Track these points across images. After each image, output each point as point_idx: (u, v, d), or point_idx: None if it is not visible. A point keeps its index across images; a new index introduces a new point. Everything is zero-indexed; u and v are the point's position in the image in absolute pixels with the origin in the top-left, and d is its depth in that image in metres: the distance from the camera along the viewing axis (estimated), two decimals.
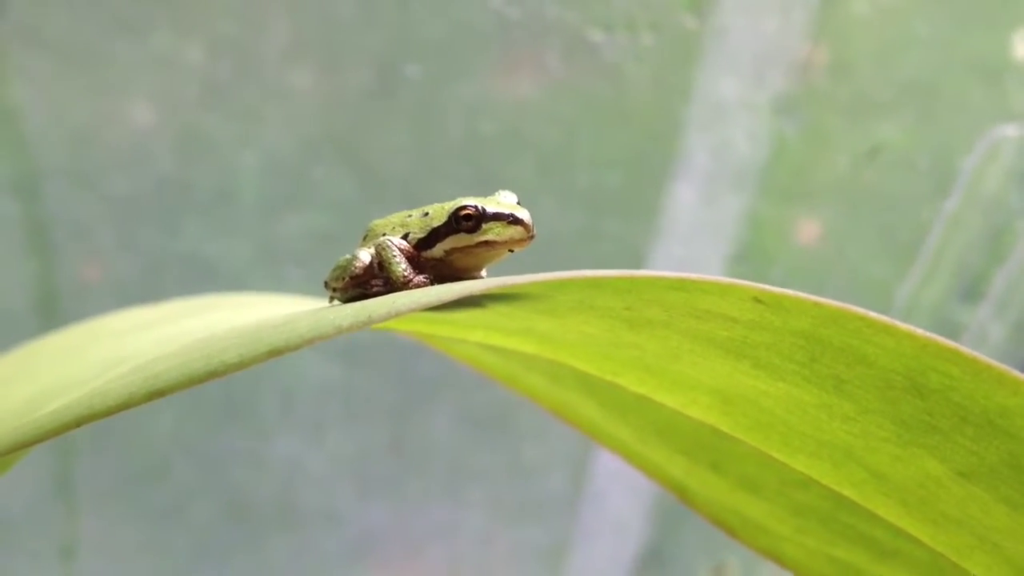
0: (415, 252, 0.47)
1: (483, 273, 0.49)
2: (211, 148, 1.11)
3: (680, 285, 0.41)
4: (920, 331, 0.40)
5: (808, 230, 1.01)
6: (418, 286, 0.45)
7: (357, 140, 1.10)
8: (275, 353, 0.40)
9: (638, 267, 1.07)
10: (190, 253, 1.13)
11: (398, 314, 0.40)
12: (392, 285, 0.46)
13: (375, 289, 0.47)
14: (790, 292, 0.40)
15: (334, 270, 0.48)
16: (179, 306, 0.67)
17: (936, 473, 0.46)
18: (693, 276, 0.41)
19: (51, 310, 1.10)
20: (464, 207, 0.46)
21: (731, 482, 0.59)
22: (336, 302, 0.49)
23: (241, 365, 0.40)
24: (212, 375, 0.40)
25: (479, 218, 0.46)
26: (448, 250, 0.47)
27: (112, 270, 1.14)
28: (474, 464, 1.27)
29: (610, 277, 0.41)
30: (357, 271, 0.47)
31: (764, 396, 0.48)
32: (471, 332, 0.52)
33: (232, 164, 1.12)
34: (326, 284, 0.48)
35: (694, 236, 1.03)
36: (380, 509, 1.29)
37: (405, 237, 0.47)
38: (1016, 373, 0.40)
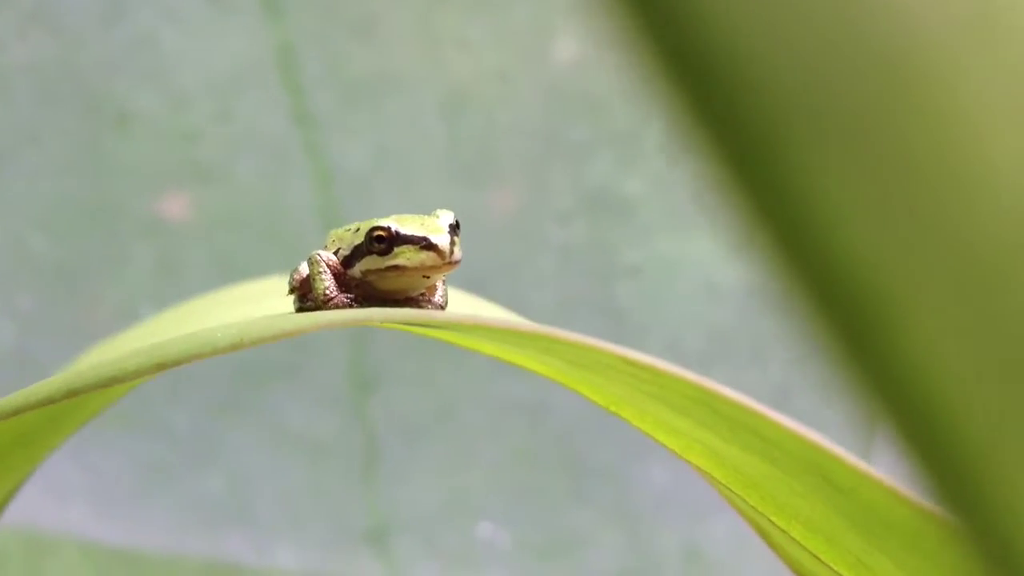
0: (343, 270, 0.45)
1: (437, 297, 0.46)
2: (625, 85, 1.12)
3: (553, 341, 0.38)
4: (784, 420, 0.34)
5: None
6: (337, 306, 0.44)
7: None
8: (161, 367, 0.41)
9: None
10: (599, 188, 1.16)
11: (269, 339, 0.40)
12: (315, 301, 0.45)
13: (309, 303, 0.46)
14: (648, 359, 0.36)
15: (289, 279, 0.47)
16: None
17: None
18: (559, 333, 0.37)
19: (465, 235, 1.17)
20: (377, 227, 0.43)
21: (786, 538, 0.53)
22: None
23: (136, 375, 0.42)
24: (115, 381, 0.42)
25: (391, 240, 0.43)
26: (364, 271, 0.44)
27: (522, 199, 1.19)
28: None
29: (466, 323, 0.38)
30: (295, 283, 0.46)
31: (733, 457, 0.43)
32: (482, 345, 0.50)
33: (629, 111, 1.13)
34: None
35: None
36: (662, 470, 1.27)
37: (337, 252, 0.45)
38: (896, 485, 0.33)
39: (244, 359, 1.28)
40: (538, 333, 0.37)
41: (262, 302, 0.65)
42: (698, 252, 1.14)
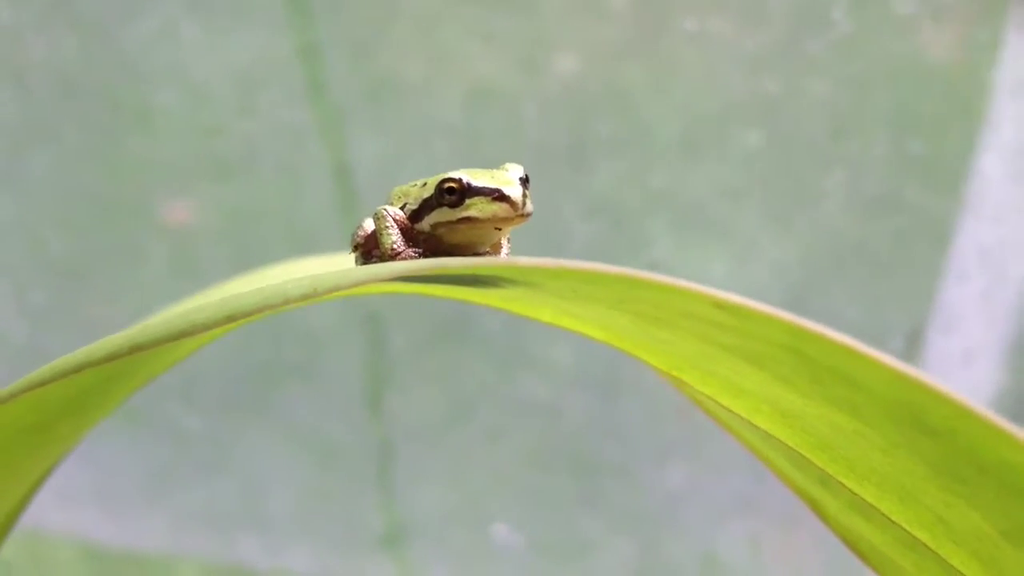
0: (409, 224, 0.45)
1: (504, 252, 0.46)
2: (629, 96, 1.13)
3: (633, 283, 0.37)
4: (888, 358, 0.33)
5: None
6: (405, 259, 0.43)
7: (772, 95, 1.06)
8: (232, 318, 0.41)
9: (944, 245, 0.97)
10: (601, 197, 1.16)
11: (340, 288, 0.39)
12: (382, 256, 0.44)
13: (374, 259, 0.45)
14: (741, 300, 0.35)
15: (352, 236, 0.47)
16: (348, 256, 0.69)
17: (985, 530, 0.39)
18: (639, 274, 0.37)
19: None
20: (448, 179, 0.43)
21: (842, 503, 0.53)
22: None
23: (205, 327, 0.41)
24: (184, 334, 0.42)
25: (462, 192, 0.43)
26: (434, 224, 0.44)
27: (545, 195, 1.18)
28: None
29: (547, 267, 0.38)
30: (359, 239, 0.46)
31: (807, 414, 0.43)
32: (539, 312, 0.50)
33: (647, 113, 1.13)
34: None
35: (1002, 215, 0.91)
36: (678, 473, 1.27)
37: (404, 207, 0.45)
38: (1008, 425, 0.32)
39: (257, 359, 1.27)
40: (623, 275, 0.37)
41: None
42: (718, 249, 1.14)
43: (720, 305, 0.36)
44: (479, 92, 1.14)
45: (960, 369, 1.00)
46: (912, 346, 1.02)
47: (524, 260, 0.41)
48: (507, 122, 1.15)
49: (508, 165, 0.44)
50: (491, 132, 1.15)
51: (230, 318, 0.41)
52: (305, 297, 0.40)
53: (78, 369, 0.44)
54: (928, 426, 0.35)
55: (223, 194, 1.18)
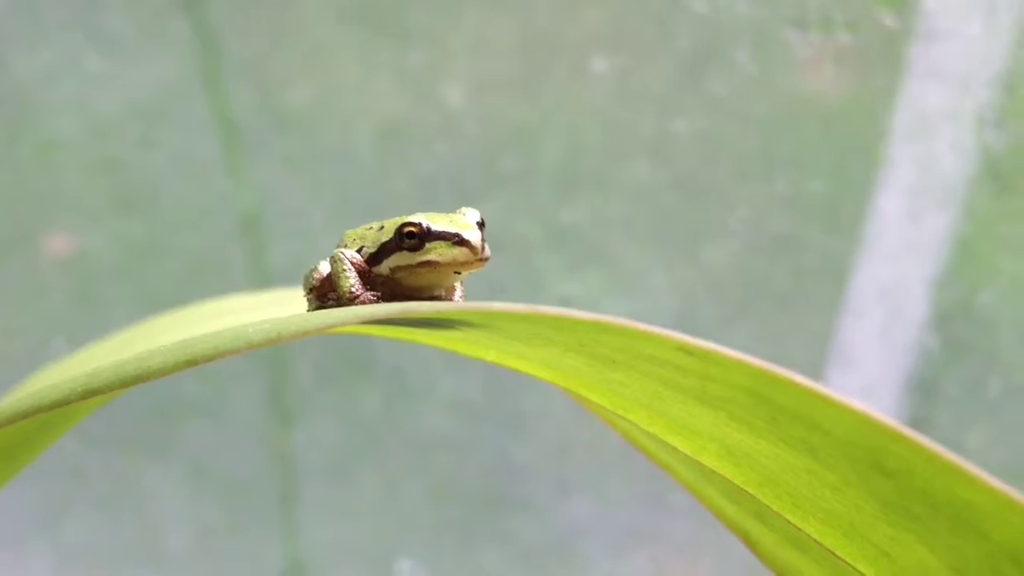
0: (367, 267, 0.45)
1: (457, 295, 0.46)
2: (530, 132, 1.13)
3: (604, 328, 0.38)
4: (856, 403, 0.35)
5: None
6: (363, 303, 0.44)
7: (658, 128, 1.07)
8: (191, 364, 0.40)
9: (842, 282, 1.00)
10: (503, 232, 1.16)
11: (306, 333, 0.39)
12: (339, 299, 0.45)
13: (329, 302, 0.45)
14: (709, 345, 0.36)
15: (304, 278, 0.47)
16: (272, 296, 0.68)
17: (933, 565, 0.40)
18: (613, 320, 0.37)
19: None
20: (408, 223, 0.44)
21: (778, 537, 0.54)
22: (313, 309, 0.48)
23: (161, 372, 0.40)
24: (138, 380, 0.41)
25: (422, 236, 0.43)
26: (393, 268, 0.44)
27: None
28: None
29: (519, 312, 0.38)
30: (315, 283, 0.46)
31: (757, 453, 0.44)
32: (484, 352, 0.50)
33: (548, 148, 1.13)
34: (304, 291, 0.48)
35: (899, 254, 0.95)
36: (581, 506, 1.28)
37: (360, 251, 0.45)
38: (968, 465, 0.34)
39: (157, 393, 1.24)
40: (593, 321, 0.37)
41: (240, 315, 0.63)
42: (620, 285, 1.16)
43: (685, 349, 0.37)
44: (383, 125, 1.14)
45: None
46: (812, 381, 1.05)
47: (496, 305, 0.42)
48: (409, 155, 1.15)
49: (464, 209, 0.45)
50: (393, 165, 1.15)
51: (190, 363, 0.41)
52: (269, 342, 0.40)
53: (28, 415, 0.43)
54: (885, 467, 0.36)
55: (124, 227, 1.15)
